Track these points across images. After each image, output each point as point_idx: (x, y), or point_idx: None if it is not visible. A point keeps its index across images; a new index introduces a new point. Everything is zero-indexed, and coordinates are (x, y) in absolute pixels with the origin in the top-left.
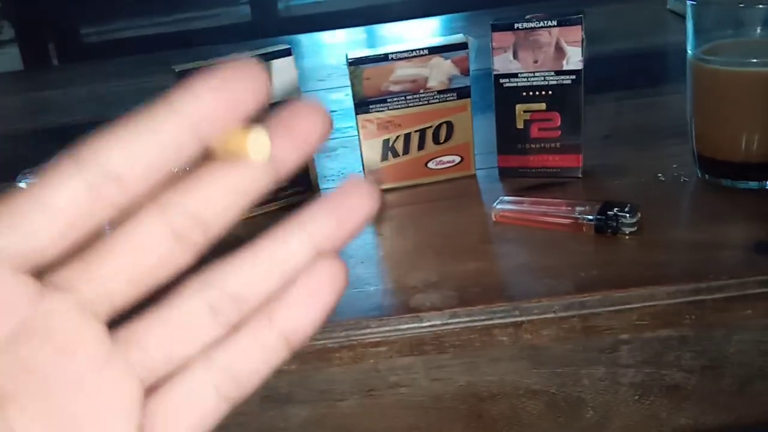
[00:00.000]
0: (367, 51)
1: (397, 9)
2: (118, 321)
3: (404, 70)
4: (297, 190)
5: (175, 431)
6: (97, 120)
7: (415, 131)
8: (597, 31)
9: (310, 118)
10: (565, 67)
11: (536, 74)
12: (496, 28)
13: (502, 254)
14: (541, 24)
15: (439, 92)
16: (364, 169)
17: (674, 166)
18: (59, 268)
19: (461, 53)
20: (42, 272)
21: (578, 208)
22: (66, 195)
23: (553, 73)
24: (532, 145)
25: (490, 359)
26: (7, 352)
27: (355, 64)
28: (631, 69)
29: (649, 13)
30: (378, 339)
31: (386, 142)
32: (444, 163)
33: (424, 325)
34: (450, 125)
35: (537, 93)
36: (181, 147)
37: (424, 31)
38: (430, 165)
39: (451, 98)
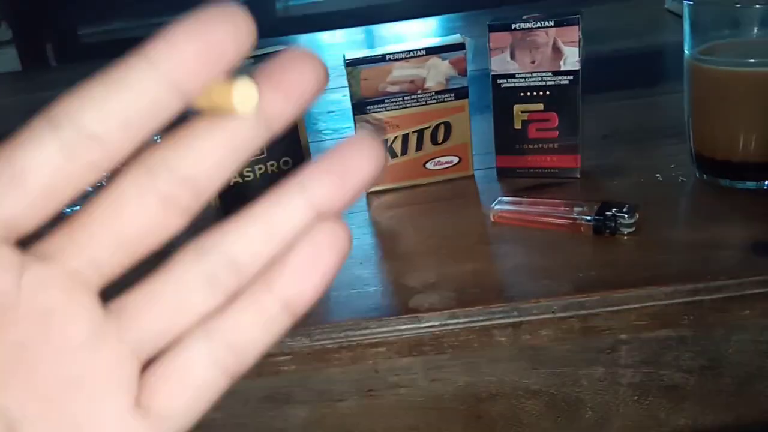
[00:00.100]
0: (365, 51)
1: (395, 9)
2: (113, 295)
3: (402, 71)
4: None
5: (174, 406)
6: None
7: (413, 132)
8: (594, 31)
9: (302, 67)
10: (563, 68)
11: (534, 75)
12: (493, 28)
13: (500, 255)
14: (538, 24)
15: (437, 93)
16: None
17: (672, 166)
18: (44, 239)
19: (459, 54)
20: (26, 244)
21: (576, 209)
22: (40, 158)
23: (550, 74)
24: (530, 146)
25: (489, 360)
26: None
27: (352, 64)
28: (628, 69)
29: (647, 13)
30: (377, 339)
31: (384, 142)
32: (442, 164)
33: (422, 325)
34: (448, 126)
35: (534, 93)
36: (161, 102)
37: (421, 32)
38: (428, 165)
39: (449, 99)
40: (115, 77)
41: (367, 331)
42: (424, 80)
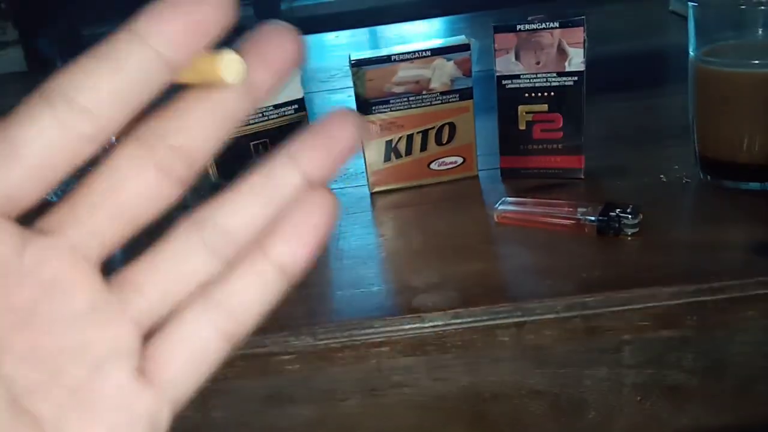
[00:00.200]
0: (370, 52)
1: (400, 10)
2: (114, 269)
3: (407, 72)
4: None
5: (176, 372)
6: None
7: (418, 132)
8: (599, 32)
9: (282, 40)
10: (567, 69)
11: (538, 75)
12: (498, 29)
13: (504, 255)
14: (543, 25)
15: (442, 93)
16: (366, 170)
17: (676, 167)
18: (45, 215)
19: (464, 54)
20: (28, 221)
21: (580, 209)
22: (35, 132)
23: (555, 75)
24: (534, 146)
25: (492, 359)
26: None
27: (357, 65)
28: (633, 70)
29: (651, 15)
30: (380, 339)
31: (389, 143)
32: (446, 164)
33: (426, 325)
34: (452, 126)
35: (539, 94)
36: (150, 75)
37: (426, 33)
38: (433, 166)
39: (454, 99)
40: (106, 52)
41: (371, 331)
42: (429, 81)
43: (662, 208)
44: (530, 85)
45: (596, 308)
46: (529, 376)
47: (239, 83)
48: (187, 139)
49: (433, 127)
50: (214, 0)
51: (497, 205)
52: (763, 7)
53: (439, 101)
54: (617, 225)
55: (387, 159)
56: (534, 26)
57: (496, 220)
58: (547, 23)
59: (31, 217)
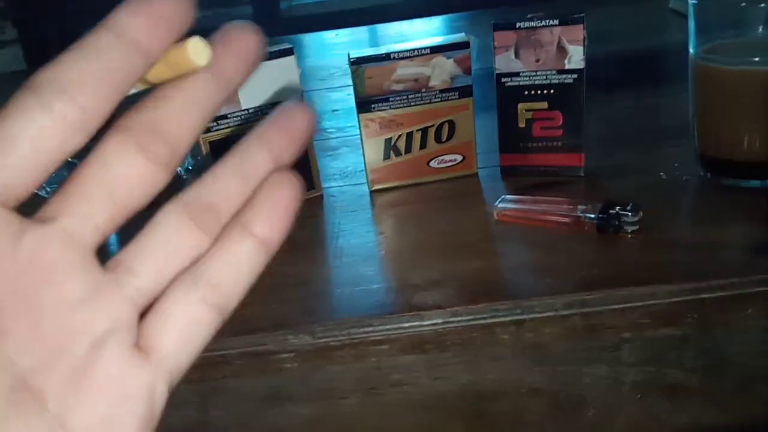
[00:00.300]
0: (369, 50)
1: (399, 9)
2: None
3: (406, 69)
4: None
5: (172, 345)
6: None
7: (417, 130)
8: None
9: (245, 34)
10: (567, 66)
11: (538, 73)
12: (497, 27)
13: (503, 253)
14: (543, 23)
15: (441, 91)
16: (366, 168)
17: (676, 165)
18: (42, 205)
19: (463, 52)
20: (24, 212)
21: (580, 207)
22: (28, 123)
23: (554, 72)
24: (534, 144)
25: (491, 358)
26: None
27: (357, 63)
28: (633, 68)
29: (651, 13)
30: (380, 337)
31: (388, 141)
32: (446, 162)
33: (426, 323)
34: (452, 124)
35: (539, 92)
36: (129, 64)
37: (425, 31)
38: (432, 164)
39: (453, 97)
40: (87, 45)
41: (370, 329)
42: (428, 79)
43: (662, 206)
44: (530, 82)
45: (596, 306)
46: (528, 374)
47: (206, 65)
48: (170, 126)
49: (433, 125)
50: (170, 1)
51: (497, 203)
52: (763, 5)
53: (439, 99)
54: (617, 223)
55: (386, 157)
56: (534, 24)
57: (495, 218)
58: (547, 21)
59: (27, 210)
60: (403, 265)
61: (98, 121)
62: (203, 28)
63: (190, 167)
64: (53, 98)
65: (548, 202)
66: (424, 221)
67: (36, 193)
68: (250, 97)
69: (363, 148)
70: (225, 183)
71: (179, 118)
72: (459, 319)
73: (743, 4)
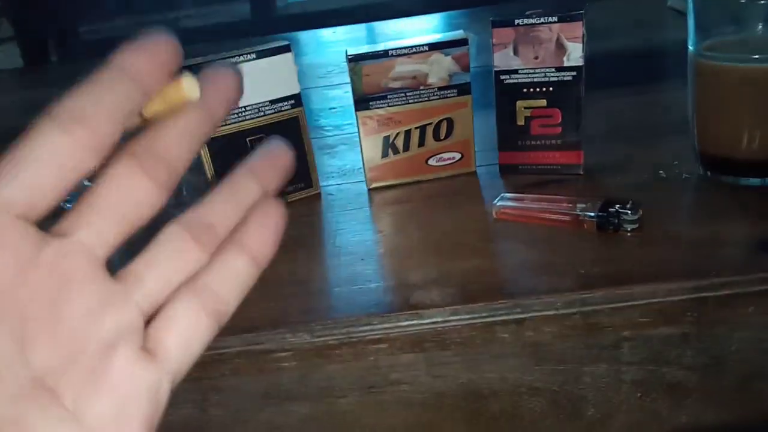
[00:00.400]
0: (367, 47)
1: (397, 6)
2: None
3: (404, 67)
4: (298, 187)
5: (175, 348)
6: None
7: (416, 128)
8: (598, 27)
9: (227, 74)
10: (566, 64)
11: (537, 70)
12: (496, 24)
13: (503, 251)
14: (542, 20)
15: (440, 89)
16: (364, 165)
17: (675, 162)
18: (58, 221)
19: (462, 49)
20: (43, 225)
21: (579, 205)
22: (50, 146)
23: (553, 70)
24: (533, 142)
25: (491, 356)
26: (21, 290)
27: (354, 60)
28: (631, 66)
29: (649, 11)
30: (379, 336)
31: (386, 138)
32: (444, 160)
33: (425, 322)
34: (450, 122)
35: (537, 89)
36: (132, 97)
37: (423, 29)
38: (431, 162)
39: (452, 95)
40: (98, 80)
41: (369, 328)
42: (426, 76)
43: (662, 204)
44: (528, 80)
45: (596, 305)
46: (528, 373)
47: (197, 99)
48: (170, 152)
49: (431, 123)
50: (165, 44)
51: (496, 201)
52: (762, 2)
53: (437, 96)
54: (617, 221)
55: (384, 155)
56: (532, 21)
57: (494, 216)
58: (546, 18)
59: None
60: (402, 263)
61: (109, 146)
62: (203, 27)
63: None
64: (72, 125)
65: (547, 200)
66: (423, 219)
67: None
68: (248, 95)
69: (361, 145)
70: (221, 207)
71: (177, 145)
72: (458, 317)
73: (743, 1)
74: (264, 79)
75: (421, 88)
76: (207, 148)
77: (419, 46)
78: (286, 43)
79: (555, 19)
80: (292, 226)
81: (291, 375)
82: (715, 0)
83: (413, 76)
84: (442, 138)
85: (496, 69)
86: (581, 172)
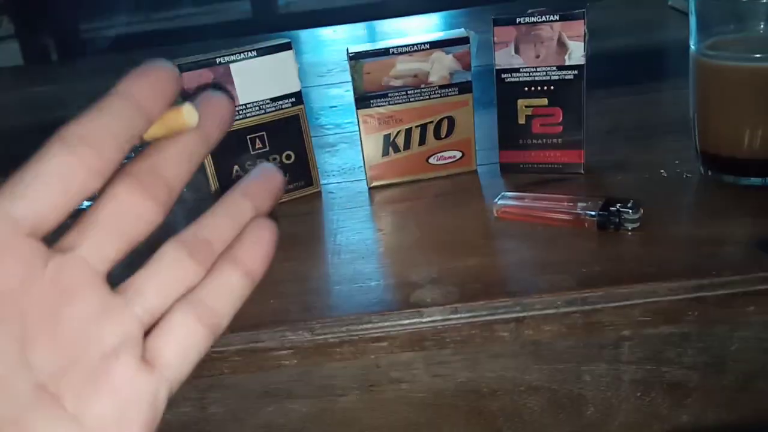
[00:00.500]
0: (368, 45)
1: (398, 5)
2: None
3: (405, 65)
4: (299, 185)
5: (172, 358)
6: None
7: (416, 126)
8: (599, 26)
9: (221, 101)
10: (568, 63)
11: (538, 69)
12: (497, 22)
13: (503, 250)
14: (543, 18)
15: (441, 87)
16: (364, 164)
17: (677, 162)
18: (62, 236)
19: (463, 48)
20: (49, 241)
21: (580, 204)
22: (58, 166)
23: (555, 68)
24: (534, 141)
25: (491, 355)
26: (26, 300)
27: (355, 58)
28: (633, 65)
29: (650, 10)
30: (379, 334)
31: (387, 137)
32: (445, 159)
33: (425, 320)
34: (451, 120)
35: (539, 88)
36: (135, 123)
37: (425, 27)
38: (431, 160)
39: (453, 93)
40: (104, 107)
41: (369, 326)
42: (427, 74)
43: (663, 203)
44: (530, 78)
45: (596, 304)
46: (527, 371)
47: (195, 125)
48: (168, 173)
49: (432, 121)
50: (169, 71)
51: (496, 200)
52: (764, 1)
53: (438, 95)
54: (617, 220)
55: (385, 153)
56: (534, 19)
57: (495, 215)
58: (548, 16)
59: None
60: (402, 262)
61: (113, 168)
62: (204, 25)
63: None
64: (80, 148)
65: (548, 199)
66: (423, 218)
67: None
68: (249, 92)
69: (361, 144)
70: (216, 225)
71: (176, 166)
72: (458, 316)
73: (744, 0)
74: (265, 77)
75: (422, 86)
76: None
77: (420, 44)
78: (287, 41)
79: (556, 17)
80: (293, 224)
81: (291, 373)
82: None
83: (414, 75)
84: (442, 136)
85: (497, 67)
86: (582, 171)
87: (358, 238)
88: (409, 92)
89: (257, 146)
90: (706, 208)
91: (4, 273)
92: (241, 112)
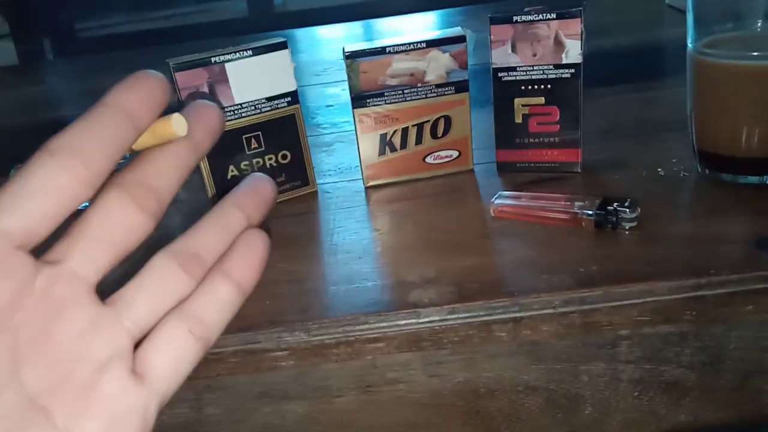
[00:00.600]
0: (365, 44)
1: (395, 4)
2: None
3: (402, 64)
4: (294, 185)
5: (162, 370)
6: None
7: (413, 125)
8: (596, 25)
9: (210, 111)
10: (564, 61)
11: (535, 68)
12: (494, 21)
13: (500, 249)
14: (540, 17)
15: (437, 86)
16: (361, 163)
17: (674, 160)
18: (51, 247)
19: (459, 46)
20: (37, 252)
21: (577, 203)
22: (48, 179)
23: (552, 67)
24: (531, 140)
25: (488, 355)
26: (17, 315)
27: (351, 57)
28: (630, 63)
29: (647, 9)
30: (376, 335)
31: (383, 136)
32: (442, 158)
33: (422, 320)
34: (448, 119)
35: (536, 87)
36: (125, 133)
37: (421, 26)
38: (428, 160)
39: (449, 92)
40: (93, 118)
41: (366, 327)
42: (424, 73)
43: (660, 202)
44: (527, 77)
45: (594, 303)
46: (525, 371)
47: (184, 134)
48: (158, 183)
49: (429, 121)
50: (159, 81)
51: (493, 199)
52: None
53: (435, 94)
54: (615, 219)
55: (381, 153)
56: (531, 18)
57: (492, 214)
58: (544, 15)
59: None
60: (399, 262)
61: (102, 179)
62: (200, 24)
63: None
64: (70, 160)
65: (545, 198)
66: (420, 218)
67: None
68: (244, 92)
69: (358, 143)
70: (208, 236)
71: (166, 176)
72: (455, 316)
73: None
74: (260, 76)
75: (419, 85)
76: None
77: (417, 43)
78: (283, 40)
79: (553, 16)
80: (289, 224)
81: (287, 374)
82: None
83: (411, 74)
84: (439, 136)
85: (494, 66)
86: (579, 170)
87: (354, 238)
88: (405, 91)
89: (253, 146)
90: (704, 207)
91: None
92: (236, 112)
